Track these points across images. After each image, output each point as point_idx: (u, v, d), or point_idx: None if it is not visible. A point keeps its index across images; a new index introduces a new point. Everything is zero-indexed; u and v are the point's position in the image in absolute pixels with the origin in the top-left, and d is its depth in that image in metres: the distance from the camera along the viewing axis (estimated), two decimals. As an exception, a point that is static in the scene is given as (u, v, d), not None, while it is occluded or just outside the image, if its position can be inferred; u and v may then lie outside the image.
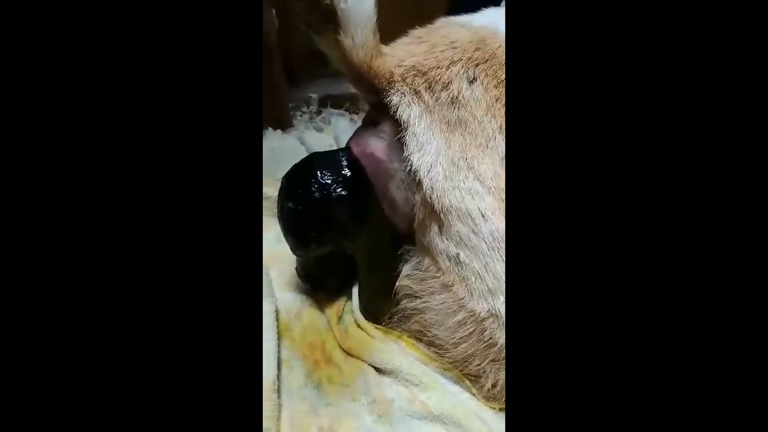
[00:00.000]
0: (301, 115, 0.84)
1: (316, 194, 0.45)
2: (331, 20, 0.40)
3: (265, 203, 0.63)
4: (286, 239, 0.48)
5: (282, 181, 0.48)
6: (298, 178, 0.47)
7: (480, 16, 0.48)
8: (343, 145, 0.74)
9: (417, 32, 0.48)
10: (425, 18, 0.52)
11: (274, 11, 0.68)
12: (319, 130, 0.79)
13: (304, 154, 0.73)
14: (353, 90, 0.83)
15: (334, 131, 0.76)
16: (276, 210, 0.49)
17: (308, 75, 0.87)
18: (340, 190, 0.45)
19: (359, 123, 0.79)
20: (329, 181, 0.45)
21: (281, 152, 0.71)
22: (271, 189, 0.64)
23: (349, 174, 0.45)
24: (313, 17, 0.42)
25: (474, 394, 0.44)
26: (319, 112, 0.85)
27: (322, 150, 0.71)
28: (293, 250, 0.50)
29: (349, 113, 0.85)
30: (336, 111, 0.83)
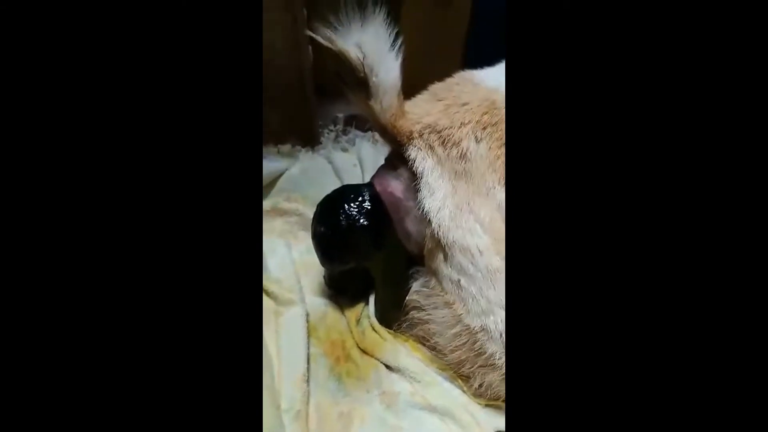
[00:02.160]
0: (328, 133, 0.92)
1: (343, 223, 0.53)
2: (364, 87, 0.48)
3: (296, 219, 0.72)
4: (317, 255, 0.57)
5: (316, 208, 0.56)
6: (329, 207, 0.55)
7: (494, 75, 0.54)
8: (365, 165, 0.83)
9: (435, 88, 0.55)
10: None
11: (310, 48, 0.76)
12: (345, 150, 0.87)
13: (331, 173, 0.82)
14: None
15: (357, 152, 0.85)
16: (310, 227, 0.58)
17: (335, 96, 0.94)
18: (362, 220, 0.53)
19: (379, 144, 0.88)
20: (354, 213, 0.53)
21: (311, 171, 0.80)
22: (301, 205, 0.73)
23: (371, 207, 0.53)
24: (350, 80, 0.50)
25: (465, 392, 0.53)
26: (344, 131, 0.93)
27: (347, 168, 0.80)
28: (322, 263, 0.58)
29: (372, 132, 0.92)
30: (360, 133, 0.91)
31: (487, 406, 0.52)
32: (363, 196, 0.54)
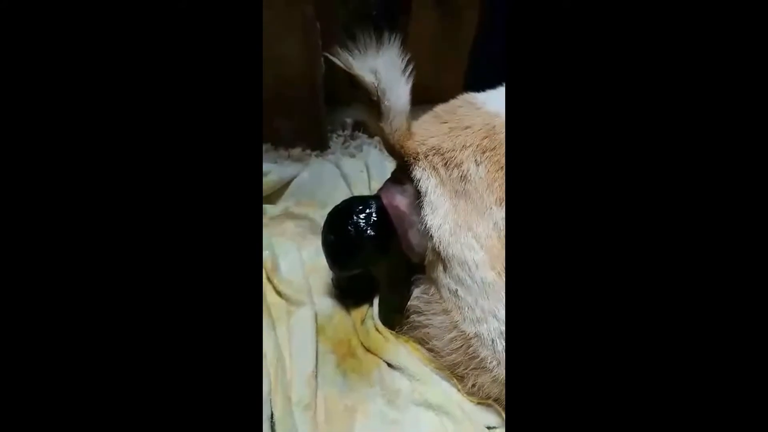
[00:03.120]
0: (337, 137, 0.96)
1: (351, 232, 0.57)
2: (376, 108, 0.51)
3: (307, 223, 0.76)
4: (327, 261, 0.61)
5: (326, 218, 0.60)
6: (339, 218, 0.59)
7: (495, 99, 0.57)
8: (372, 171, 0.86)
9: (440, 110, 0.58)
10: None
11: (323, 58, 0.79)
12: (353, 156, 0.91)
13: (339, 178, 0.85)
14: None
15: (365, 158, 0.89)
16: (319, 231, 0.62)
17: (345, 100, 0.97)
18: (369, 231, 0.57)
19: (385, 151, 0.91)
20: (362, 224, 0.57)
21: (320, 176, 0.84)
22: (310, 210, 0.77)
23: (377, 219, 0.57)
24: (364, 101, 0.53)
25: (459, 390, 0.57)
26: (352, 136, 0.96)
27: (354, 174, 0.84)
28: (331, 269, 0.62)
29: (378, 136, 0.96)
30: (367, 140, 0.95)
31: (479, 403, 0.56)
32: (370, 208, 0.57)
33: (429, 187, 0.52)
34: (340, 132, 0.96)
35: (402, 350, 0.60)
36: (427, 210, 0.52)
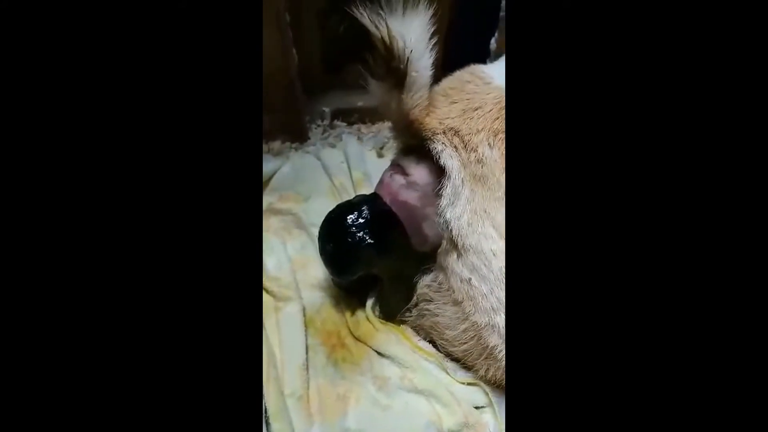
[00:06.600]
0: (316, 127, 0.89)
1: (349, 241, 0.51)
2: (399, 81, 0.46)
3: (290, 218, 0.70)
4: (327, 269, 0.55)
5: (322, 226, 0.54)
6: (333, 227, 0.53)
7: (502, 73, 0.51)
8: (352, 162, 0.80)
9: (447, 87, 0.51)
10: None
11: (294, 50, 0.74)
12: (332, 146, 0.85)
13: (320, 170, 0.80)
14: (360, 104, 0.90)
15: (344, 148, 0.83)
16: (303, 225, 0.58)
17: (321, 89, 0.91)
18: (368, 238, 0.51)
19: (365, 137, 0.85)
20: (360, 232, 0.51)
21: (302, 170, 0.78)
22: (293, 204, 0.71)
23: (374, 222, 0.51)
24: (384, 74, 0.46)
25: (448, 374, 0.54)
26: (331, 126, 0.90)
27: (335, 165, 0.79)
28: (332, 275, 0.57)
29: (357, 124, 0.91)
30: (346, 129, 0.89)
31: (470, 385, 0.53)
32: (365, 213, 0.52)
33: (454, 167, 0.47)
34: (319, 122, 0.90)
35: (392, 338, 0.56)
36: (449, 199, 0.47)
